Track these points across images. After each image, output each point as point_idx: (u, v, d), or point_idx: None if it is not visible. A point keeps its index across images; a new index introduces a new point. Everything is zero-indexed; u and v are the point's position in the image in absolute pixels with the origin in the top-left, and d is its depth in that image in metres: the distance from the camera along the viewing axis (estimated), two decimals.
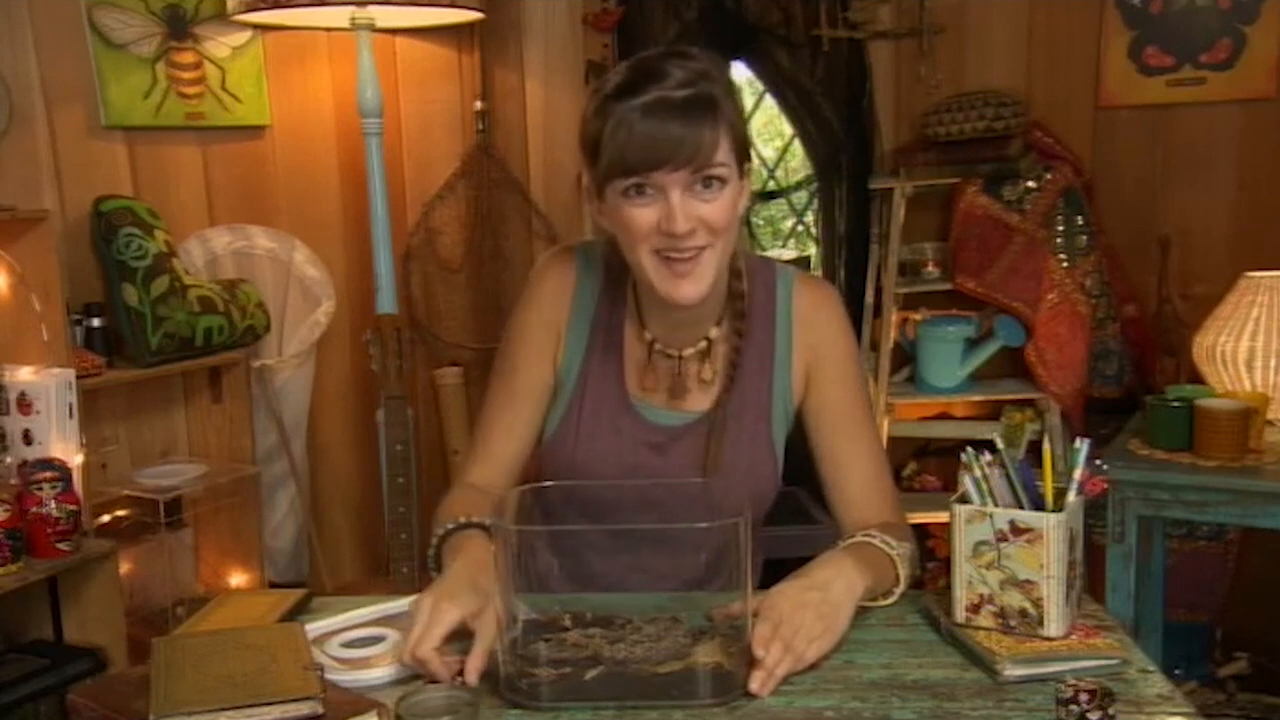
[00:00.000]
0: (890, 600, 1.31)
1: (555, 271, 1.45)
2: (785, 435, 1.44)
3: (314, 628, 1.29)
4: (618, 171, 1.23)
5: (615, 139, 1.22)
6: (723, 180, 1.24)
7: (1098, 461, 2.06)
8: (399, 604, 1.35)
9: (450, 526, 1.31)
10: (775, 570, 1.33)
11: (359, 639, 1.27)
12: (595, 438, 1.40)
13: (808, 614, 1.17)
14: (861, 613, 1.32)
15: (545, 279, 1.45)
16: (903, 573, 1.31)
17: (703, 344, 1.40)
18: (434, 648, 1.13)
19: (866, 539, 1.31)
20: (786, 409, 1.43)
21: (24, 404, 2.07)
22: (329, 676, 1.16)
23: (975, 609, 1.22)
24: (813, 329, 1.42)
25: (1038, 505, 1.22)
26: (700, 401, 1.41)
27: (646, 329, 1.41)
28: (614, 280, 1.43)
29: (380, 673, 1.18)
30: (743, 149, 1.28)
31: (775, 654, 1.13)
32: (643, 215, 1.24)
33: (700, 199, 1.24)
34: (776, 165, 3.48)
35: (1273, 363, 2.20)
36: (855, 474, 1.41)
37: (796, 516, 2.59)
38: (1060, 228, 2.87)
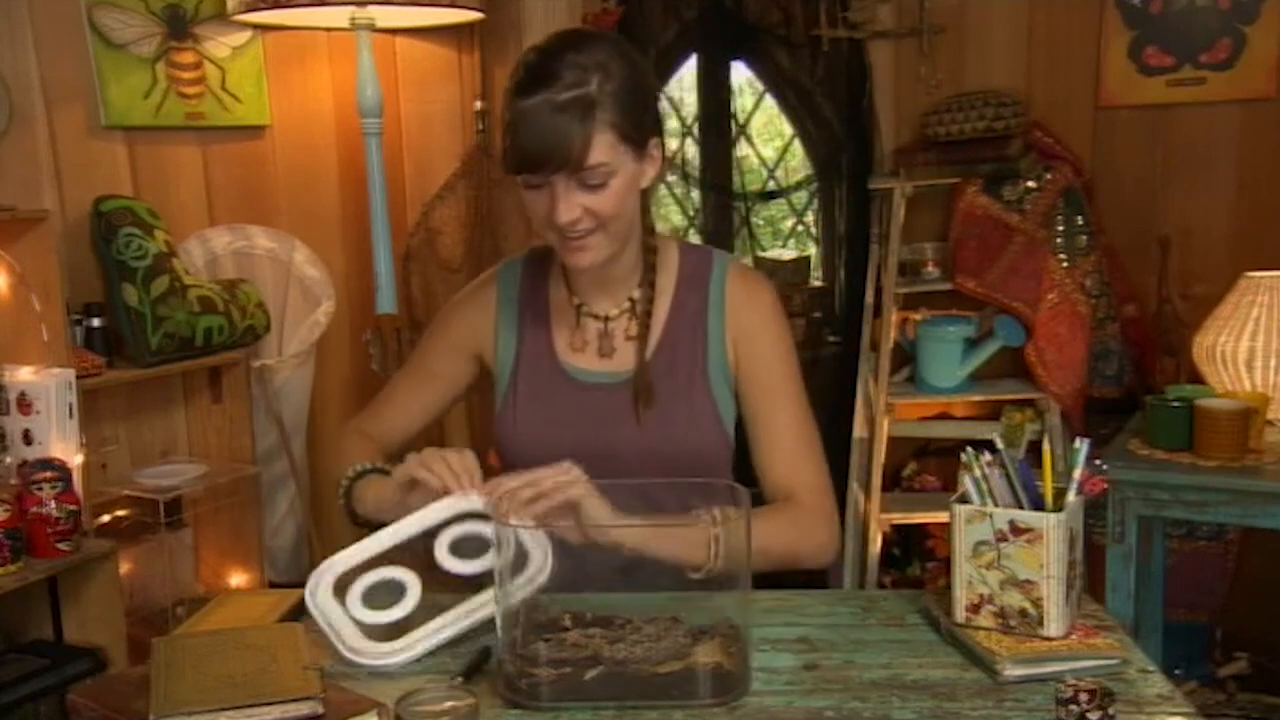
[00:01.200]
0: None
1: (480, 290, 1.58)
2: (729, 400, 1.48)
3: (329, 568, 1.26)
4: (509, 169, 1.35)
5: (507, 137, 1.33)
6: (607, 174, 1.32)
7: (1097, 461, 2.06)
8: (406, 526, 1.30)
9: (360, 469, 1.46)
10: (772, 571, 1.32)
11: (378, 584, 1.25)
12: (533, 401, 1.49)
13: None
14: (861, 612, 1.33)
15: (471, 297, 1.59)
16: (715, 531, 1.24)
17: (627, 304, 1.49)
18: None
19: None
20: (725, 374, 1.48)
21: (24, 404, 2.07)
22: (354, 646, 1.18)
23: (975, 609, 1.22)
24: (744, 313, 1.48)
25: (1038, 505, 1.22)
26: (629, 360, 1.48)
27: (575, 294, 1.51)
28: (535, 270, 1.55)
29: (406, 655, 1.19)
30: (640, 134, 1.35)
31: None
32: (537, 203, 1.35)
33: (586, 189, 1.33)
34: (776, 165, 3.47)
35: (1273, 363, 2.20)
36: (780, 437, 1.47)
37: None
38: (1060, 228, 2.87)
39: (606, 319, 1.50)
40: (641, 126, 1.35)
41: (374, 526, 1.38)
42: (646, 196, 1.45)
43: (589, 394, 1.48)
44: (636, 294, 1.49)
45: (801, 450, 1.47)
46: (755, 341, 1.48)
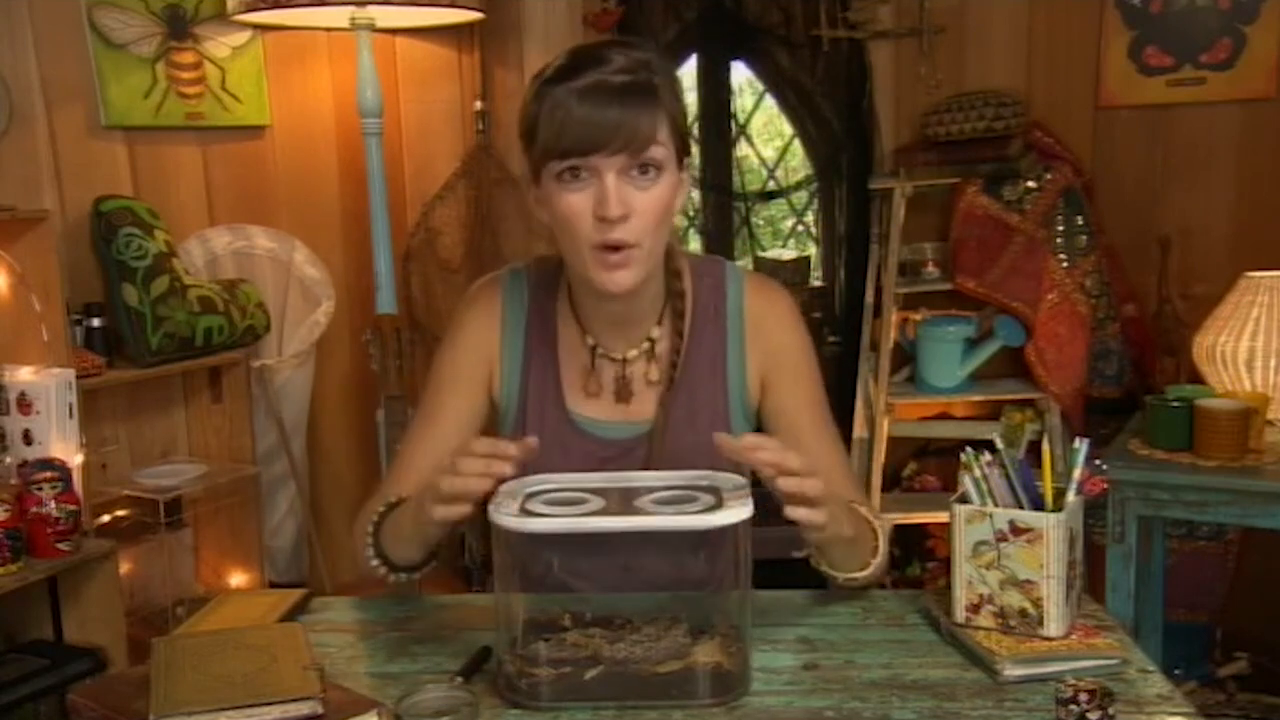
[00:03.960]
0: (866, 573, 1.29)
1: (480, 301, 1.42)
2: (747, 430, 1.40)
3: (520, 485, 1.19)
4: (554, 154, 1.21)
5: (551, 121, 1.20)
6: (659, 167, 1.22)
7: (1097, 461, 2.06)
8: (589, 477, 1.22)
9: (381, 511, 1.28)
10: (772, 570, 1.33)
11: (562, 499, 1.17)
12: (541, 461, 1.29)
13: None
14: (861, 612, 1.32)
15: (470, 310, 1.42)
16: (882, 544, 1.30)
17: (646, 345, 1.37)
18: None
19: (850, 503, 1.30)
20: (746, 410, 1.40)
21: (24, 404, 2.07)
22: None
23: (975, 609, 1.22)
24: (766, 334, 1.38)
25: (1037, 505, 1.22)
26: (647, 408, 1.37)
27: (588, 333, 1.37)
28: (543, 295, 1.40)
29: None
30: (682, 142, 1.27)
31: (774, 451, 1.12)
32: (577, 200, 1.22)
33: (636, 185, 1.21)
34: (776, 165, 3.48)
35: (1273, 363, 2.20)
36: (823, 467, 1.35)
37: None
38: (1060, 228, 2.87)
39: (624, 361, 1.37)
40: (684, 133, 1.27)
41: (417, 567, 1.28)
42: (670, 225, 1.32)
43: (603, 449, 1.36)
44: (655, 333, 1.37)
45: (843, 471, 1.40)
46: (784, 368, 1.38)
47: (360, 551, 1.33)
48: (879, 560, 1.30)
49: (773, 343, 1.39)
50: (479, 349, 1.40)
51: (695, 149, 3.32)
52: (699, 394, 1.37)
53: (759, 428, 1.42)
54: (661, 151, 1.22)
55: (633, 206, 1.21)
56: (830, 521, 1.17)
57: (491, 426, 1.43)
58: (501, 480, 1.14)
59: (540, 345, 1.39)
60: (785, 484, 1.12)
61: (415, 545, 1.27)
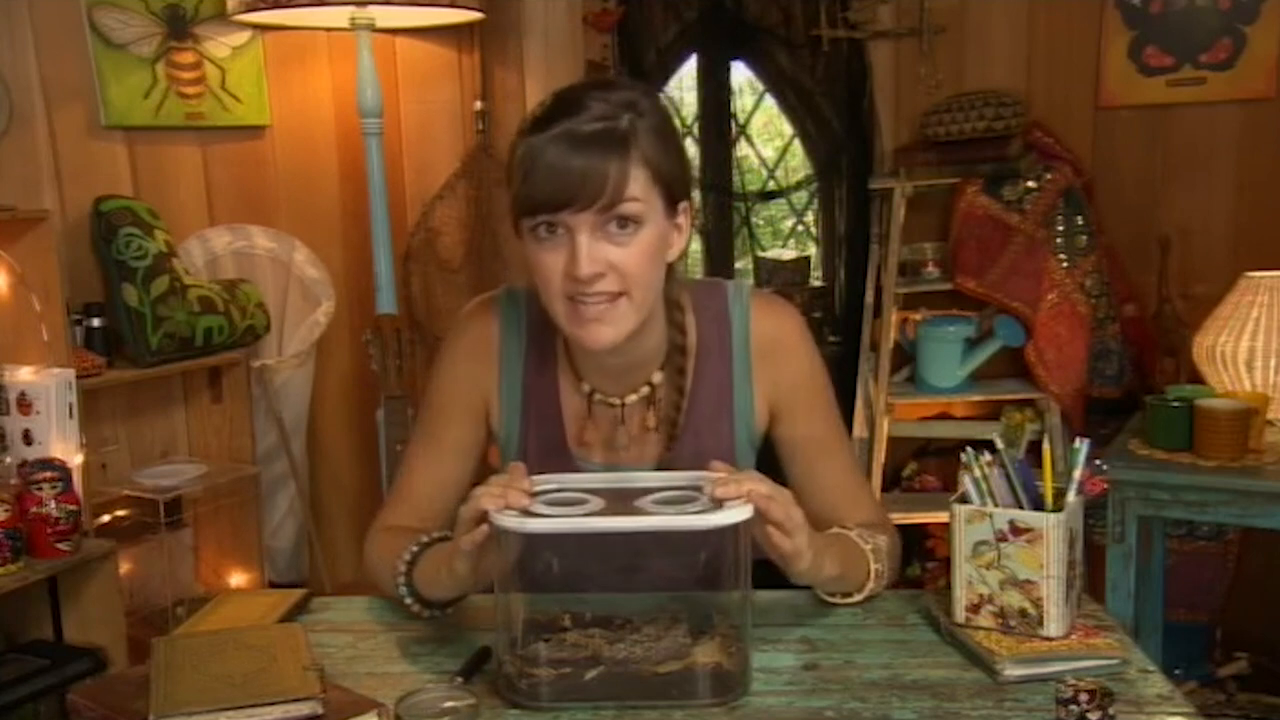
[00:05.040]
0: (863, 595, 1.30)
1: (477, 330, 1.38)
2: (753, 458, 1.39)
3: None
4: (524, 209, 1.17)
5: (522, 175, 1.16)
6: (638, 221, 1.17)
7: (1097, 462, 2.06)
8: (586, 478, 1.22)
9: (415, 550, 1.25)
10: (772, 570, 1.32)
11: (562, 499, 1.16)
12: None
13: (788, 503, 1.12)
14: (861, 612, 1.32)
15: (464, 339, 1.38)
16: (875, 566, 1.29)
17: (645, 389, 1.33)
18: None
19: (842, 532, 1.29)
20: (752, 439, 1.38)
21: (24, 404, 2.07)
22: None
23: (975, 609, 1.22)
24: (775, 364, 1.34)
25: (1037, 505, 1.22)
26: (647, 454, 1.34)
27: (584, 380, 1.34)
28: (539, 333, 1.35)
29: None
30: (673, 187, 1.21)
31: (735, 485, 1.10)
32: (550, 259, 1.17)
33: (612, 241, 1.16)
34: (776, 165, 3.48)
35: (1273, 363, 2.20)
36: (834, 495, 1.37)
37: None
38: (1060, 228, 2.88)
39: (622, 406, 1.33)
40: (674, 179, 1.20)
41: (448, 605, 1.28)
42: (674, 271, 1.27)
43: None
44: (656, 378, 1.32)
45: (858, 487, 1.40)
46: (796, 398, 1.35)
47: (388, 586, 1.29)
48: (873, 585, 1.30)
49: (782, 372, 1.35)
50: (474, 383, 1.37)
51: (695, 149, 3.33)
52: (705, 436, 1.34)
53: (765, 447, 1.40)
54: (636, 206, 1.16)
55: (610, 263, 1.17)
56: (812, 559, 1.16)
57: (490, 452, 1.42)
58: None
59: (538, 384, 1.36)
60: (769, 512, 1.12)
61: (448, 589, 1.25)
